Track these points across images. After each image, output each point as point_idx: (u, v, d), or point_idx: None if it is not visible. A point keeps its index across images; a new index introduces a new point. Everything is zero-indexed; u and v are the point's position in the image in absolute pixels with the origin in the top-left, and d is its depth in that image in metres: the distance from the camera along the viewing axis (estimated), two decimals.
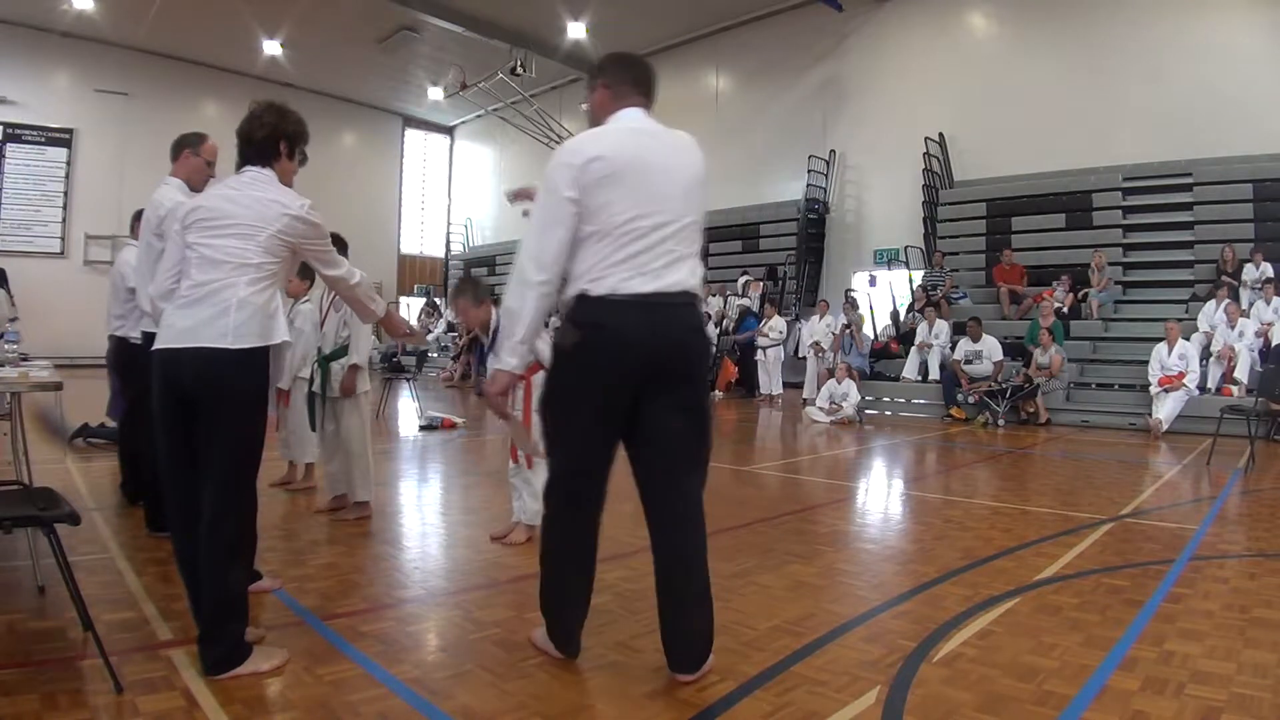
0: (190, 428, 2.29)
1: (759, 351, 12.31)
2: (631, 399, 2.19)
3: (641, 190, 2.14)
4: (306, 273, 4.93)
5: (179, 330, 2.30)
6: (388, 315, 3.09)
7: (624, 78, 2.29)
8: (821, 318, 12.30)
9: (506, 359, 2.22)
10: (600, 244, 2.13)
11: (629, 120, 2.26)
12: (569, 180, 2.12)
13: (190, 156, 3.60)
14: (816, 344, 11.91)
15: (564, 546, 2.29)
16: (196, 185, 3.53)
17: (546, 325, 2.39)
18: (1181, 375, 8.52)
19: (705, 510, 2.26)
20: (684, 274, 2.20)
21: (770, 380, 12.20)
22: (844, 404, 9.51)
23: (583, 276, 2.14)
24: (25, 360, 4.32)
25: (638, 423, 2.21)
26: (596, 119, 2.31)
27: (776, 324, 12.31)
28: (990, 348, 9.91)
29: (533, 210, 2.21)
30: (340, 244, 4.27)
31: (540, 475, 3.51)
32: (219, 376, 2.25)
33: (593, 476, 2.25)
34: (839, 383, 9.76)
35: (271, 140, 2.53)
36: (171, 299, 2.39)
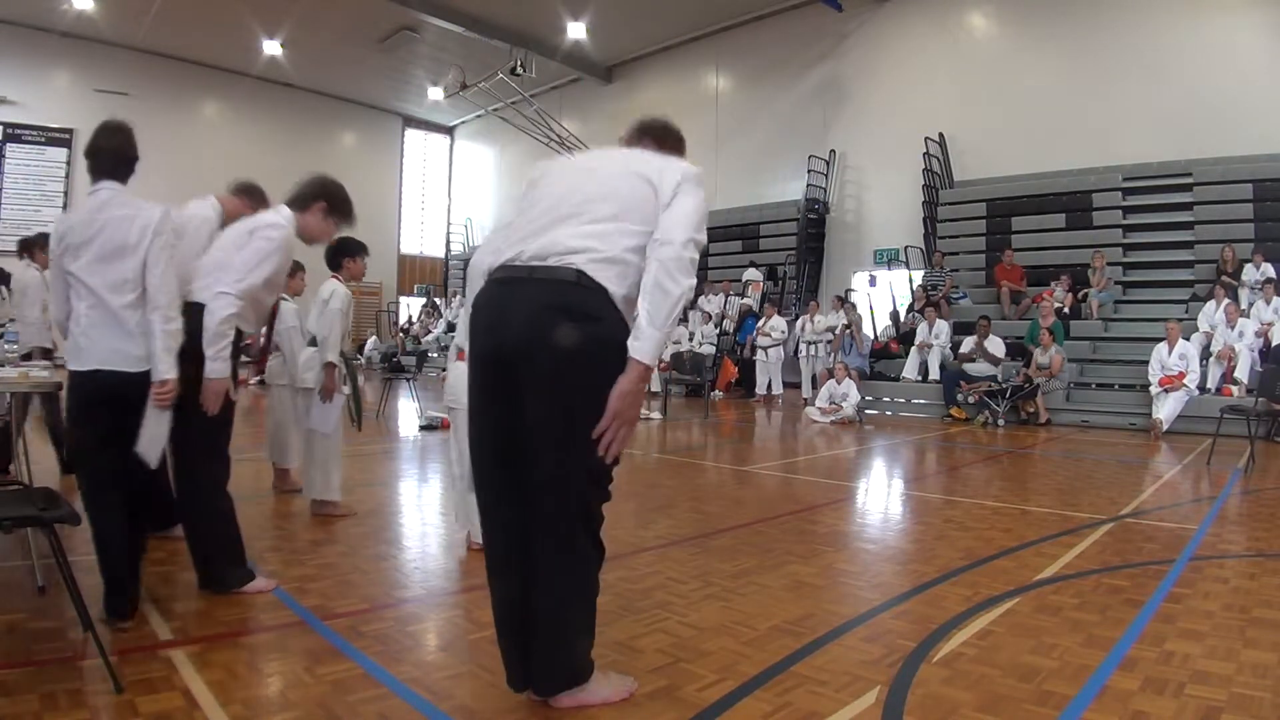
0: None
1: (760, 352, 12.33)
2: (504, 390, 1.91)
3: (549, 186, 2.08)
4: (297, 267, 4.95)
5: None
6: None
7: (637, 127, 2.31)
8: (813, 318, 12.32)
9: None
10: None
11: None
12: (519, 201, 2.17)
13: (245, 205, 3.51)
14: (810, 344, 11.94)
15: (488, 563, 2.08)
16: (228, 223, 3.39)
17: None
18: (1182, 375, 8.52)
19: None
20: (546, 241, 1.89)
21: (771, 380, 12.21)
22: (844, 404, 9.51)
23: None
24: (25, 360, 4.32)
25: None
26: None
27: (777, 324, 12.32)
28: (994, 345, 9.95)
29: None
30: (355, 246, 4.40)
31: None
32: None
33: (497, 489, 2.00)
34: (838, 383, 9.77)
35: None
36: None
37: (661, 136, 2.29)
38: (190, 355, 2.77)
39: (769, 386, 12.20)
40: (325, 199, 3.22)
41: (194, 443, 2.89)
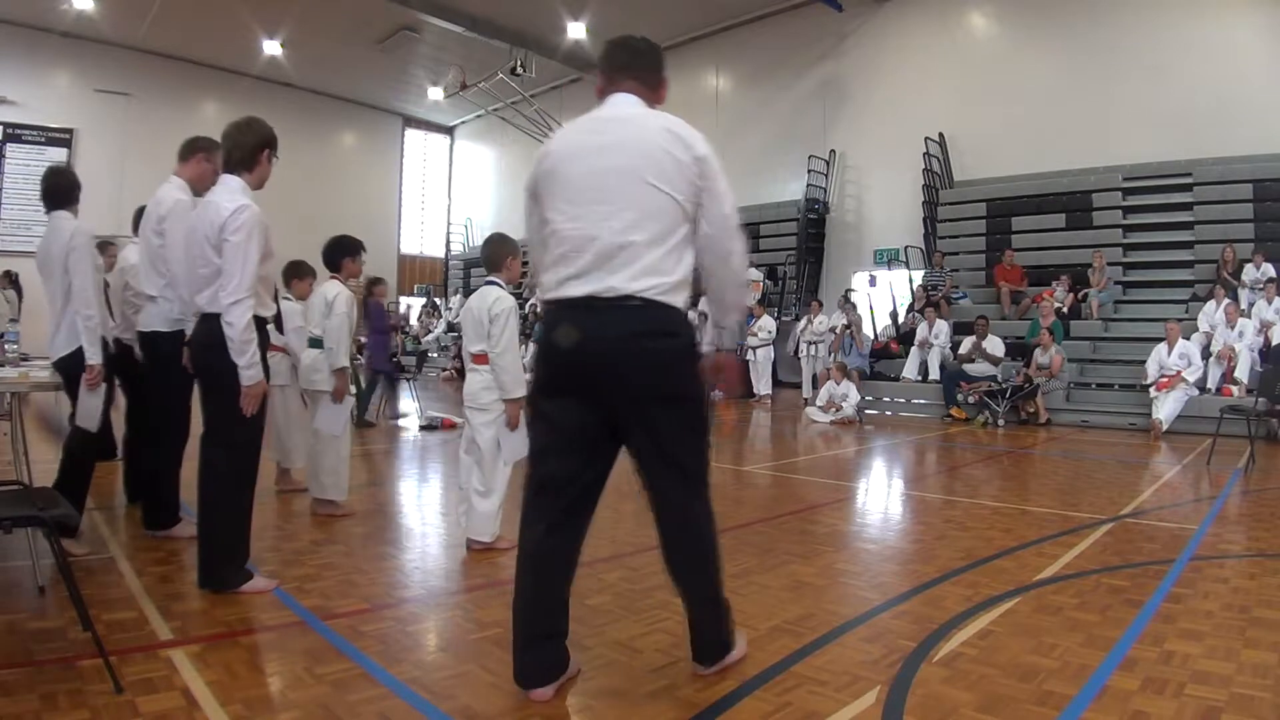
0: None
1: (749, 352, 12.31)
2: (591, 406, 2.08)
3: (572, 186, 2.07)
4: (306, 271, 4.96)
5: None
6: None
7: (610, 63, 2.23)
8: (814, 317, 12.31)
9: None
10: (549, 246, 2.12)
11: (607, 107, 2.19)
12: (531, 179, 2.19)
13: (203, 161, 3.59)
14: (810, 344, 11.94)
15: (523, 554, 2.14)
16: (200, 190, 3.56)
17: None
18: (1179, 374, 8.50)
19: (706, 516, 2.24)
20: (627, 275, 2.00)
21: (759, 380, 12.17)
22: (844, 404, 9.52)
23: (538, 279, 2.19)
24: (25, 360, 4.32)
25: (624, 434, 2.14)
26: None
27: (765, 324, 12.29)
28: (993, 346, 9.95)
29: None
30: (353, 245, 4.42)
31: (496, 490, 3.52)
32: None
33: (558, 487, 2.11)
34: (837, 383, 9.77)
35: None
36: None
37: (646, 74, 2.23)
38: (215, 360, 2.86)
39: (759, 386, 12.17)
40: (268, 145, 3.08)
41: (230, 438, 2.92)
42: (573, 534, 2.14)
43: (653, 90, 2.24)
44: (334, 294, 4.25)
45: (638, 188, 2.01)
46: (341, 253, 4.35)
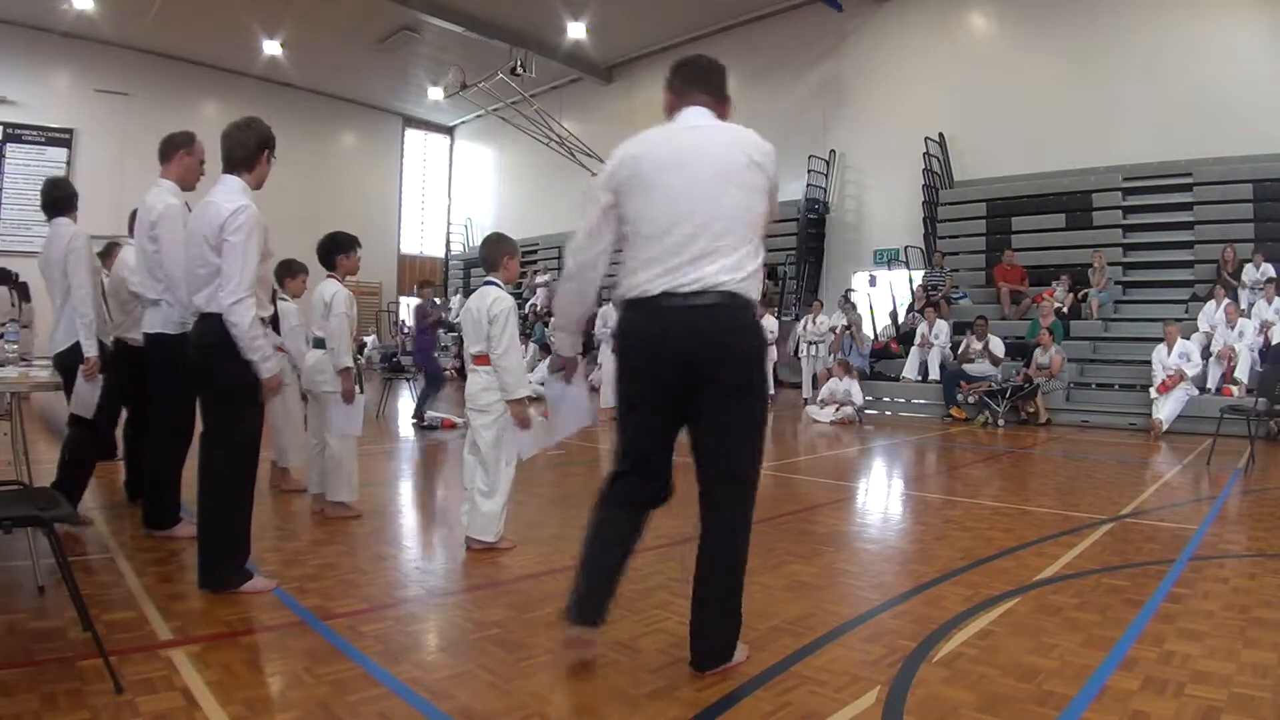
0: None
1: None
2: (672, 397, 2.21)
3: (660, 191, 2.18)
4: (298, 268, 4.95)
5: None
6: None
7: (684, 77, 2.36)
8: (815, 317, 12.31)
9: (557, 344, 2.60)
10: (631, 247, 2.24)
11: (682, 119, 2.30)
12: (603, 184, 2.27)
13: (184, 157, 3.62)
14: (810, 344, 11.95)
15: (597, 524, 2.32)
16: (189, 185, 3.60)
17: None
18: (1180, 374, 8.50)
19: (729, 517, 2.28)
20: (710, 271, 2.14)
21: None
22: (849, 399, 9.52)
23: (621, 280, 2.27)
24: (25, 361, 4.32)
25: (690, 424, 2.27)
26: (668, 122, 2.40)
27: (768, 324, 12.27)
28: (994, 345, 9.95)
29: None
30: (347, 241, 4.40)
31: (500, 490, 3.52)
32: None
33: (642, 468, 2.29)
34: (840, 379, 9.79)
35: None
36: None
37: (716, 90, 2.39)
38: (213, 360, 2.88)
39: (769, 386, 12.18)
40: (268, 146, 3.05)
41: (229, 437, 2.92)
42: (640, 521, 2.32)
43: (721, 105, 2.38)
44: (331, 293, 4.21)
45: (723, 195, 2.15)
46: (335, 250, 4.31)
